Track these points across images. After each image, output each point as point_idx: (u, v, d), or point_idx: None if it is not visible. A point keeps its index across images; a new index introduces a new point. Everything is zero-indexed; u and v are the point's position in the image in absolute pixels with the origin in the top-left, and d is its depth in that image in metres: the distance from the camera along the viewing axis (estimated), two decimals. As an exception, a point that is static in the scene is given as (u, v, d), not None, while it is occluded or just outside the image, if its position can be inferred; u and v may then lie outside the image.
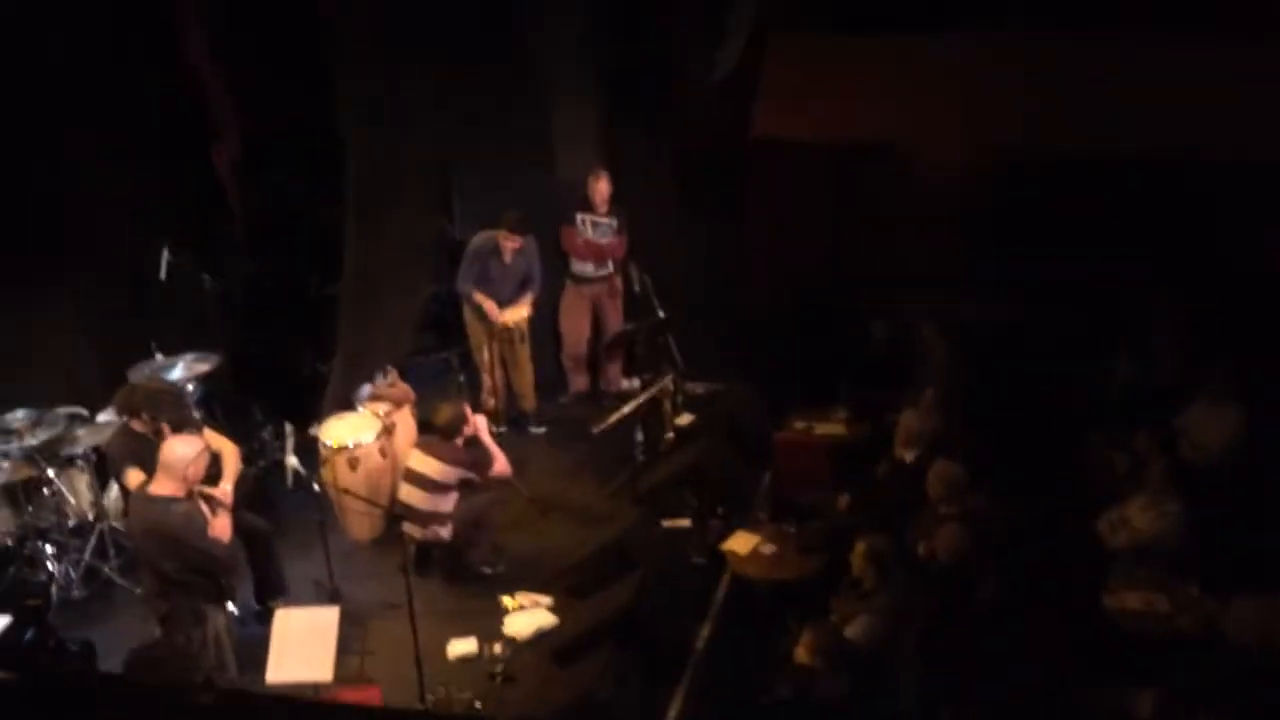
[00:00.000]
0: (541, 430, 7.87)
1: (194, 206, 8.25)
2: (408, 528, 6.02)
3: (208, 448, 5.37)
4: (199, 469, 5.22)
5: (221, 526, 5.27)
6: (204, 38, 8.04)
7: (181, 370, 6.97)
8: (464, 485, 6.33)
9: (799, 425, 6.90)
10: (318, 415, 6.99)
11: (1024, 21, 7.14)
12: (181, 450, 5.16)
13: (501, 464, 6.38)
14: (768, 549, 5.97)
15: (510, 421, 7.79)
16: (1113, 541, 5.46)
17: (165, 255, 7.17)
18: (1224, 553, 5.19)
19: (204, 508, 5.25)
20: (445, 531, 6.30)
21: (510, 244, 7.34)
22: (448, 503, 6.28)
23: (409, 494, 6.32)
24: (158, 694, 3.51)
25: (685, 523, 6.59)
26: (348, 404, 6.98)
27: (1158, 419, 5.94)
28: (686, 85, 7.89)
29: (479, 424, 6.42)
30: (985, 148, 7.36)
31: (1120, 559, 5.41)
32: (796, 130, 7.77)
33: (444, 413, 6.32)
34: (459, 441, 6.27)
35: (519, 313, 7.59)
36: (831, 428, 6.85)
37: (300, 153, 8.23)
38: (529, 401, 7.88)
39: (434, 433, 6.33)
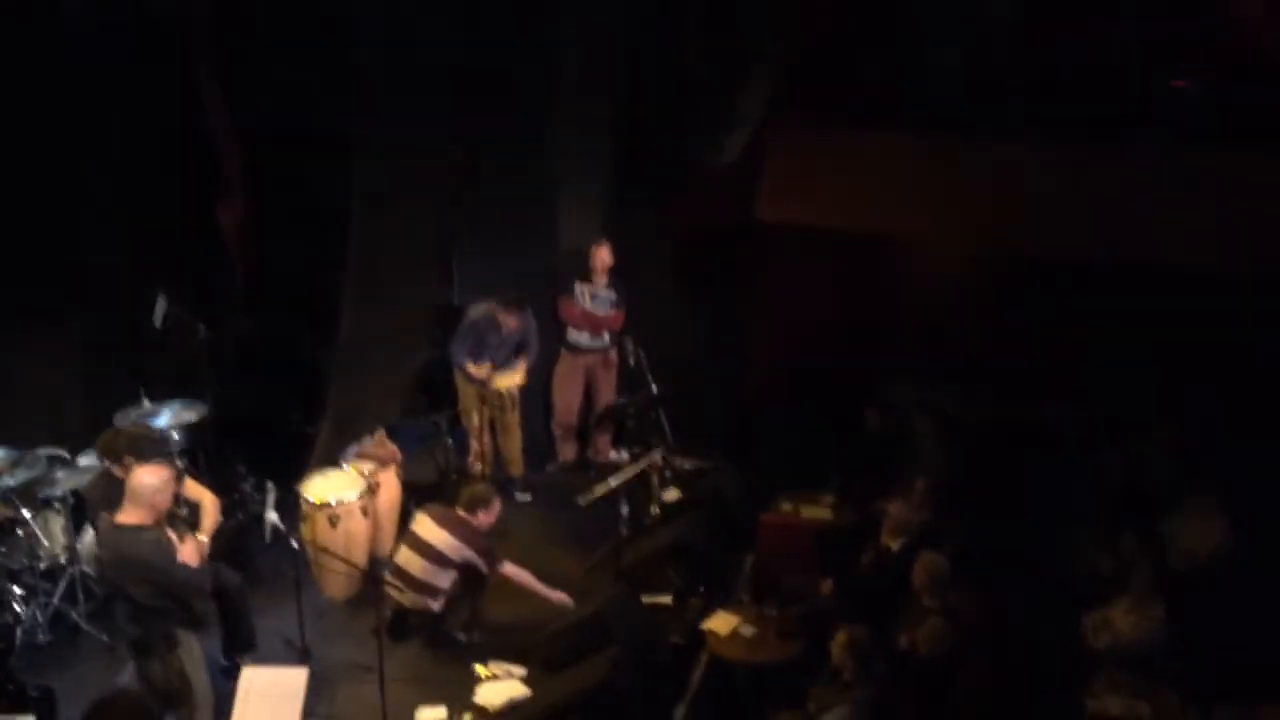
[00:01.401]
0: (527, 498, 7.85)
1: (196, 259, 8.28)
2: (393, 591, 5.90)
3: (174, 477, 5.35)
4: (166, 498, 5.22)
5: (189, 552, 5.26)
6: (219, 97, 8.12)
7: (168, 418, 6.95)
8: (468, 572, 6.22)
9: (785, 507, 6.88)
10: (301, 474, 6.92)
11: (1022, 125, 7.26)
12: (148, 480, 5.16)
13: (513, 568, 6.25)
14: (748, 631, 5.90)
15: (497, 487, 7.67)
16: (1096, 643, 5.38)
17: (162, 303, 7.17)
18: (1206, 661, 5.11)
19: (172, 534, 5.22)
20: (435, 605, 6.21)
21: (508, 321, 7.35)
22: (445, 579, 6.19)
23: (407, 559, 6.23)
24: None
25: (666, 600, 6.53)
26: (333, 464, 6.93)
27: (1145, 521, 5.90)
28: (692, 166, 8.02)
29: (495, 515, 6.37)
30: (981, 244, 7.46)
31: (1103, 661, 5.32)
32: (796, 217, 7.88)
33: (477, 488, 6.35)
34: (478, 522, 6.18)
35: (511, 379, 7.59)
36: (818, 512, 6.84)
37: (305, 216, 8.28)
38: (516, 467, 7.86)
39: (457, 505, 6.29)
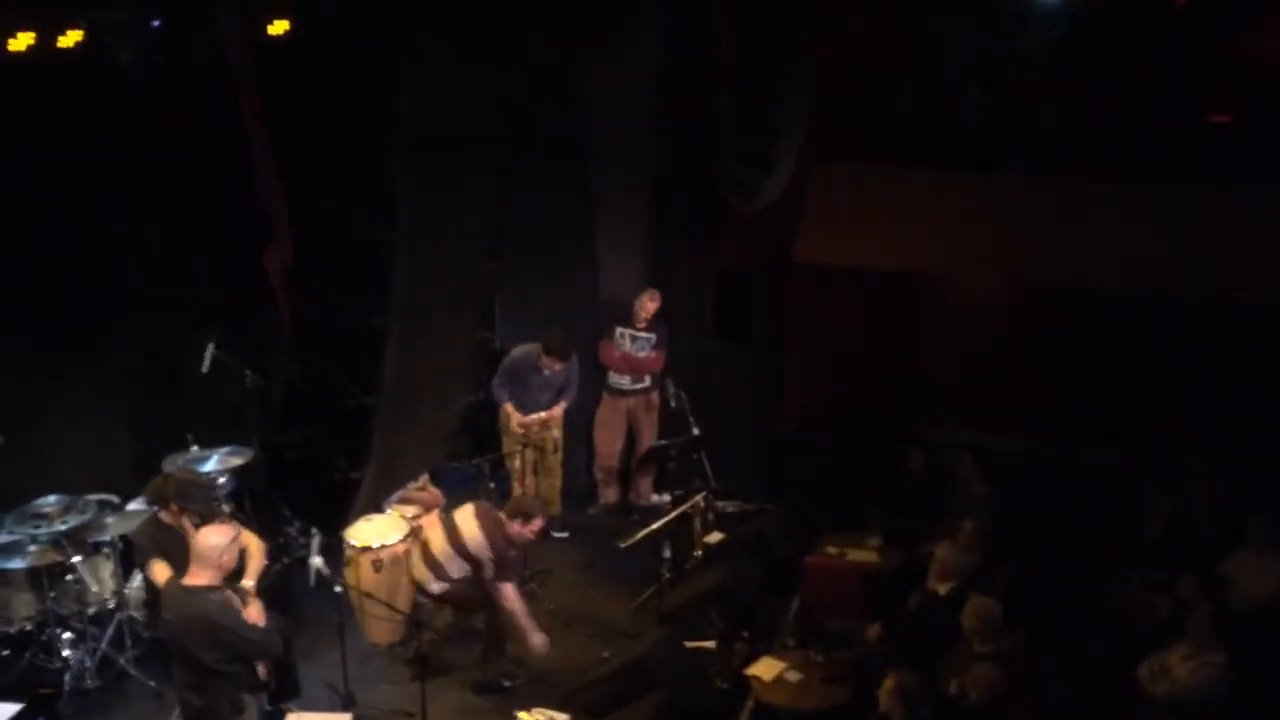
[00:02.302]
0: (564, 534, 7.82)
1: (243, 305, 8.34)
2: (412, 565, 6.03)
3: (239, 536, 5.31)
4: (232, 557, 5.16)
5: (256, 613, 5.21)
6: (267, 138, 8.20)
7: (215, 463, 6.96)
8: (478, 572, 6.12)
9: (830, 550, 6.83)
10: (345, 519, 6.91)
11: (1068, 161, 7.19)
12: (215, 539, 5.09)
13: (512, 594, 6.12)
14: (793, 676, 5.80)
15: None
16: (1153, 690, 5.23)
17: (210, 348, 7.22)
18: (1269, 710, 4.93)
19: (232, 595, 5.17)
20: (436, 586, 6.17)
21: (552, 365, 7.37)
22: (456, 568, 6.11)
23: (434, 536, 6.22)
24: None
25: (710, 644, 6.43)
26: (377, 509, 6.93)
27: (1198, 562, 5.75)
28: (730, 209, 7.99)
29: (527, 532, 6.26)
30: (1024, 283, 7.39)
31: (1160, 710, 5.16)
32: (837, 257, 7.85)
33: (526, 499, 6.32)
34: (513, 531, 6.09)
35: (551, 417, 7.57)
36: (864, 554, 6.76)
37: (349, 262, 8.32)
38: (554, 506, 7.82)
39: (505, 508, 6.24)
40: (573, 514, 7.99)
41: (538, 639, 6.11)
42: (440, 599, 6.27)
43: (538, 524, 6.13)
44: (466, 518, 6.15)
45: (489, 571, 6.09)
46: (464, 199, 7.36)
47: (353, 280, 8.33)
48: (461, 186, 7.32)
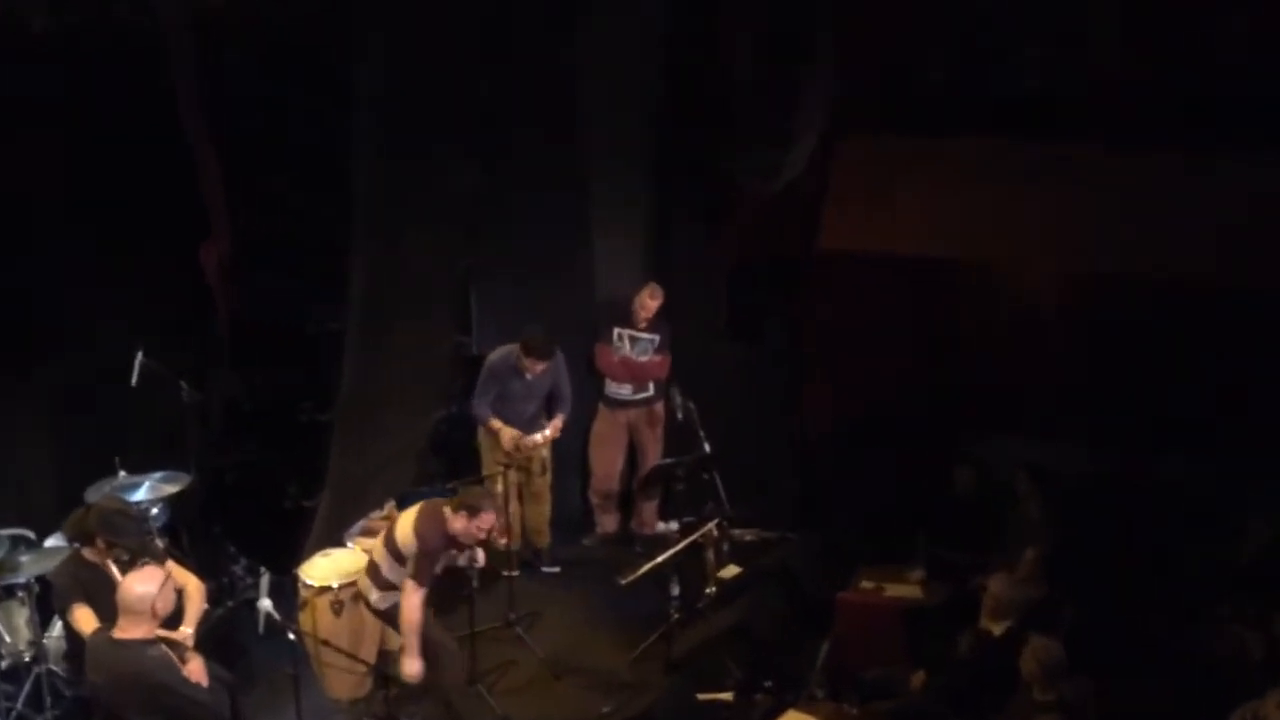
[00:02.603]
0: (555, 570, 7.86)
1: (176, 308, 8.33)
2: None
3: (170, 578, 5.28)
4: (167, 603, 5.15)
5: (197, 670, 5.20)
6: (203, 118, 8.19)
7: (147, 491, 6.95)
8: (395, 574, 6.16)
9: (867, 584, 6.85)
10: (299, 554, 6.90)
11: (1135, 131, 7.16)
12: (141, 588, 5.07)
13: (415, 605, 6.04)
14: (824, 733, 5.79)
15: (522, 563, 7.71)
16: (1245, 742, 5.19)
17: (139, 359, 7.19)
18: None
19: (168, 650, 5.17)
20: (373, 595, 6.23)
21: (533, 366, 7.36)
22: (393, 572, 6.14)
23: (379, 537, 6.35)
24: None
25: (726, 696, 6.43)
26: (336, 543, 6.92)
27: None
28: (744, 191, 8.03)
29: (480, 555, 6.31)
30: (1086, 267, 7.37)
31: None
32: (867, 244, 7.86)
33: (475, 491, 6.32)
34: (453, 526, 6.06)
35: (540, 435, 7.56)
36: (905, 589, 6.78)
37: (300, 255, 8.33)
38: (542, 537, 7.85)
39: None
40: (564, 546, 7.98)
41: (415, 666, 6.07)
42: (385, 617, 6.25)
43: (487, 520, 6.09)
44: (409, 513, 6.20)
45: (406, 565, 6.09)
46: (435, 181, 7.36)
47: (304, 276, 8.35)
48: (431, 167, 7.32)
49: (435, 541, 6.05)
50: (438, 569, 6.14)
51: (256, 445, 8.33)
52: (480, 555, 6.35)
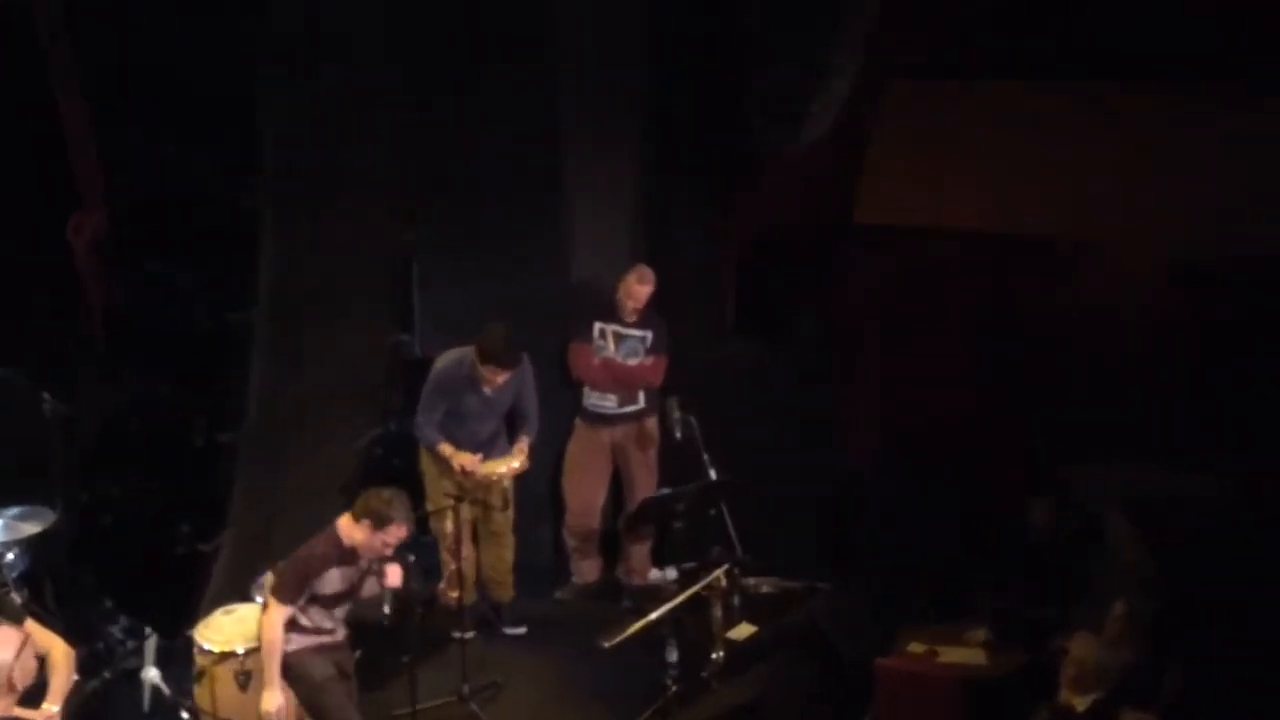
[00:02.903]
0: (520, 631, 7.85)
1: (36, 299, 8.32)
2: None
3: (30, 642, 5.28)
4: (26, 673, 5.16)
5: None
6: (71, 68, 8.19)
7: (1, 531, 6.93)
8: None
9: (915, 648, 6.87)
10: (194, 611, 6.89)
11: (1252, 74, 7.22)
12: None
13: (275, 624, 6.10)
14: (865, 835, 5.82)
15: (478, 622, 7.73)
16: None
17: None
18: None
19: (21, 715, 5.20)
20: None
21: (495, 378, 7.36)
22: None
23: None
24: None
25: (737, 793, 6.49)
26: (241, 597, 6.92)
27: None
28: (759, 152, 8.03)
29: (393, 574, 6.27)
30: (1200, 246, 7.42)
31: None
32: (916, 216, 7.95)
33: (386, 495, 6.24)
34: (349, 536, 6.10)
35: (505, 464, 7.54)
36: (965, 654, 6.80)
37: (194, 232, 8.31)
38: (504, 589, 7.84)
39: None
40: (532, 600, 7.98)
41: (274, 700, 6.11)
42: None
43: (395, 533, 6.13)
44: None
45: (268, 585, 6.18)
46: (364, 140, 7.36)
47: (199, 259, 8.33)
48: (362, 115, 7.32)
49: (320, 548, 6.13)
50: (320, 589, 6.16)
51: (140, 474, 8.30)
52: (395, 573, 6.28)
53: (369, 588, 6.32)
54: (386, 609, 6.27)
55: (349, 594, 6.29)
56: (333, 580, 6.20)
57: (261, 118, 7.07)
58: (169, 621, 6.85)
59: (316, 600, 6.22)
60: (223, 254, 7.84)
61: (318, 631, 6.28)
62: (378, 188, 7.45)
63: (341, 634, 6.39)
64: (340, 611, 6.32)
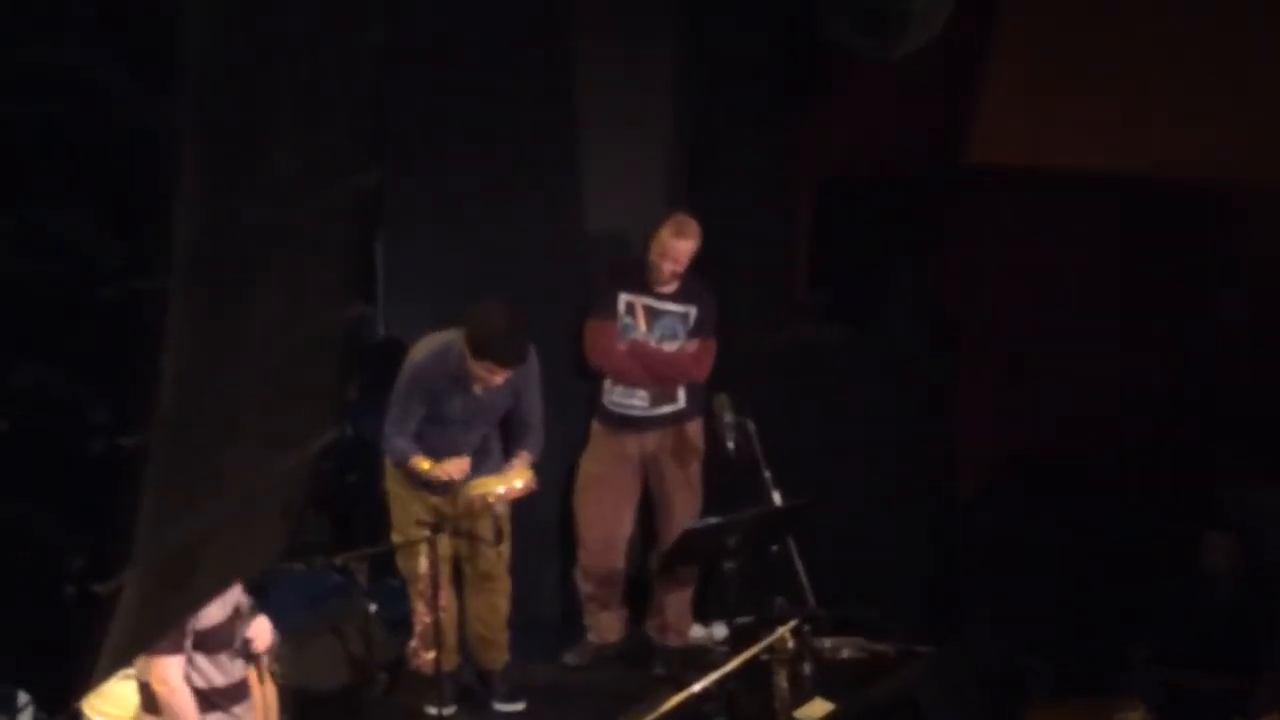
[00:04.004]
0: (517, 707, 7.96)
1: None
2: None
3: None
4: None
5: None
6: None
7: None
8: None
9: (1049, 725, 6.78)
10: (86, 674, 6.75)
11: None
12: None
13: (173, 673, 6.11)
14: None
15: (461, 694, 7.73)
16: None
17: None
18: None
19: None
20: None
21: (492, 376, 7.31)
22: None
23: None
24: None
25: None
26: (149, 652, 6.80)
27: None
28: (850, 60, 7.95)
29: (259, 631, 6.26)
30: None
31: None
32: (1050, 155, 7.95)
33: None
34: None
35: (502, 484, 7.48)
36: (1114, 731, 6.90)
37: (85, 166, 8.22)
38: (497, 651, 7.93)
39: None
40: (533, 665, 8.12)
41: None
42: None
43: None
44: None
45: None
46: (313, 53, 7.24)
47: (91, 203, 8.22)
48: (306, 30, 7.21)
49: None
50: (200, 624, 6.12)
51: (13, 490, 8.23)
52: (264, 631, 6.31)
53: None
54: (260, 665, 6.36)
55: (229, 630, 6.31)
56: (211, 613, 6.19)
57: (180, 18, 6.97)
58: (51, 689, 6.73)
59: (201, 643, 6.22)
60: (122, 199, 7.74)
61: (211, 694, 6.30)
62: (335, 107, 7.31)
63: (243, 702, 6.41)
64: (232, 662, 6.32)
